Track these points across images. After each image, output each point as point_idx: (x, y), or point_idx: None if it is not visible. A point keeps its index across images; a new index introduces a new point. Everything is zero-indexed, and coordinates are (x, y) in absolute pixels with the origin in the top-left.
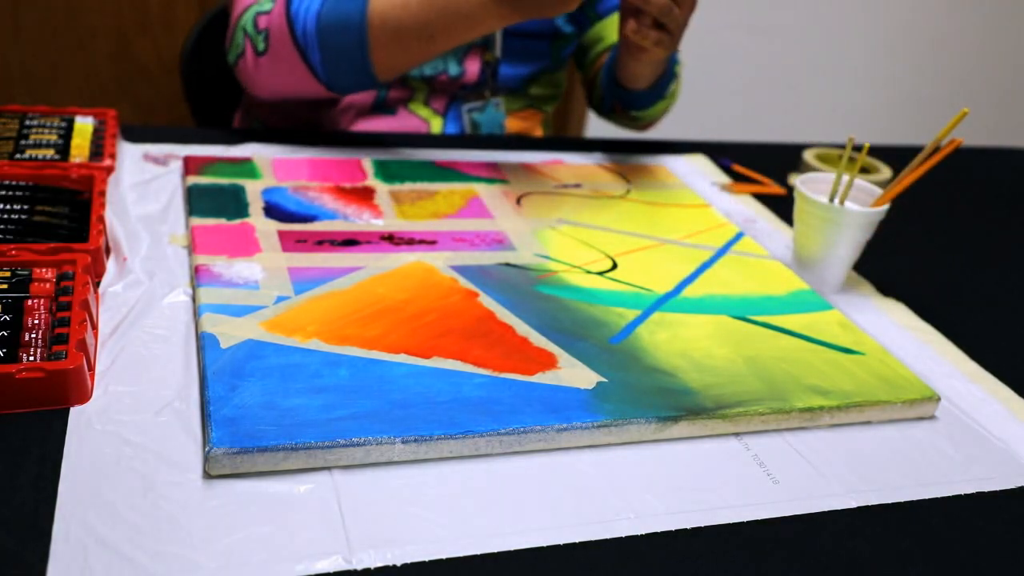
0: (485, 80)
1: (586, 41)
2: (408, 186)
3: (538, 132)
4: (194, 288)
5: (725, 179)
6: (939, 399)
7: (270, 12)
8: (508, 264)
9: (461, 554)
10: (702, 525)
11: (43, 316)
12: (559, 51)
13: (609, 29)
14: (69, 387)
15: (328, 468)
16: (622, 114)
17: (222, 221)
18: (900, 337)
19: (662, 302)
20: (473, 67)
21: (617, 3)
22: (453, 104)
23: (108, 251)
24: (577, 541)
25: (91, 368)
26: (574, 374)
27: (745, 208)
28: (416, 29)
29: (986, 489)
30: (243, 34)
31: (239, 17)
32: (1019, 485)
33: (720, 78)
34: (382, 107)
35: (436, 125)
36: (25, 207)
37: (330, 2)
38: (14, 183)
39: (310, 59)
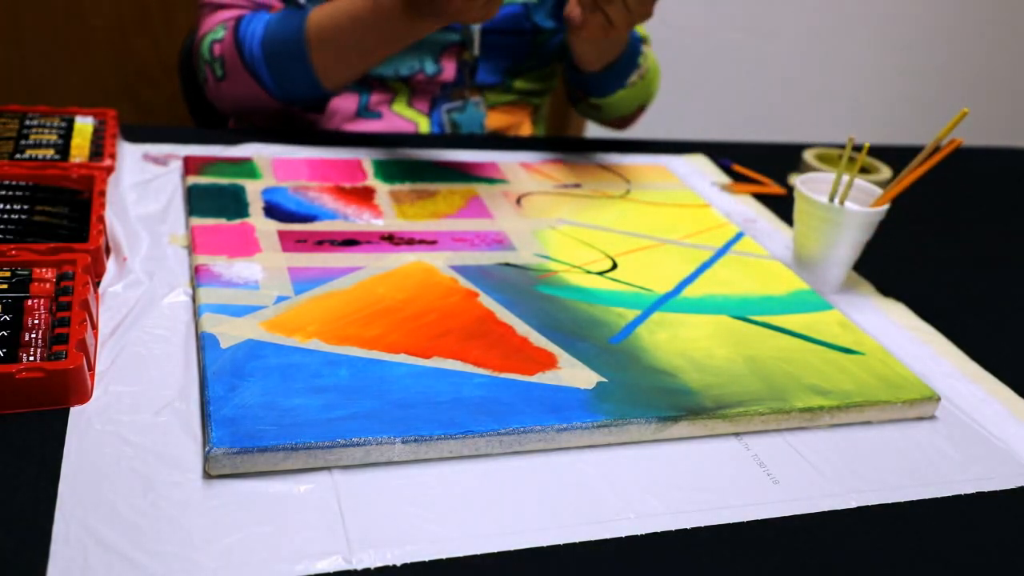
0: (463, 80)
1: (567, 39)
2: (408, 186)
3: (527, 126)
4: (194, 288)
5: (725, 179)
6: (939, 399)
7: (222, 39)
8: (508, 264)
9: (461, 554)
10: (702, 525)
11: (43, 316)
12: (541, 46)
13: None
14: (69, 387)
15: (328, 468)
16: (584, 102)
17: (222, 221)
18: (900, 337)
19: (662, 302)
20: (450, 65)
21: None
22: (436, 104)
23: (108, 251)
24: (577, 541)
25: (91, 368)
26: (574, 374)
27: (745, 208)
28: (350, 44)
29: (986, 489)
30: (203, 62)
31: (198, 46)
32: (1019, 485)
33: (720, 78)
34: (365, 111)
35: (424, 125)
36: (25, 207)
37: (272, 24)
38: (14, 183)
39: (262, 80)
